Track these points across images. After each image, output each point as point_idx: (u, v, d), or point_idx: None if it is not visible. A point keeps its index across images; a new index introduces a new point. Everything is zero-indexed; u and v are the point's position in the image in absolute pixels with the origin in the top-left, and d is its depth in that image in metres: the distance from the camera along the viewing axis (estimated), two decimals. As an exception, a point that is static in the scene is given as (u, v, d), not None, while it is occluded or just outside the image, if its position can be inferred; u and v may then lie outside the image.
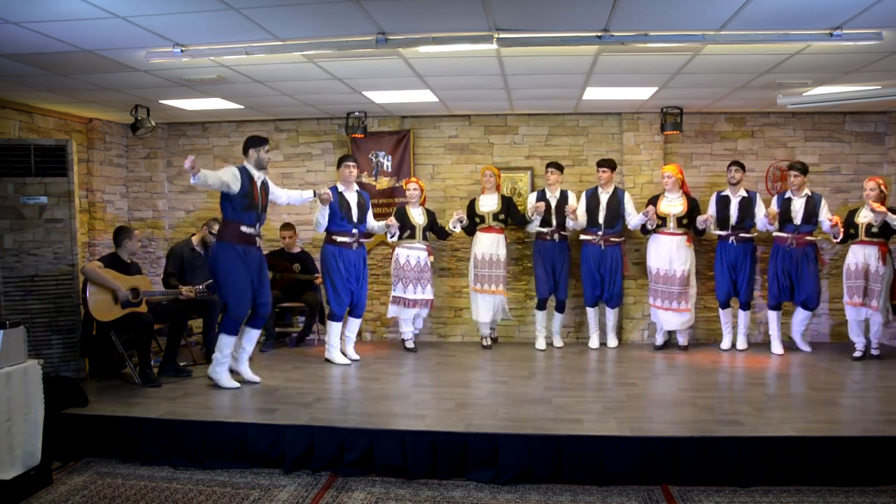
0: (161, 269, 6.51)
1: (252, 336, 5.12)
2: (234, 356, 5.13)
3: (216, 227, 5.90)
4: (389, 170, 7.02)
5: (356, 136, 6.82)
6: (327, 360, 5.85)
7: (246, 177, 4.81)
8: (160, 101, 5.97)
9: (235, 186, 4.73)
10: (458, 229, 6.25)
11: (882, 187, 5.67)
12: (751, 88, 5.53)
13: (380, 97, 6.01)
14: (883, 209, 5.43)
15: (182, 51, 4.23)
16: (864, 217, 5.72)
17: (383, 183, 7.03)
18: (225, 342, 4.93)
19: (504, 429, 4.05)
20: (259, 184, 4.92)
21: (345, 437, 4.05)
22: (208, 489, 3.81)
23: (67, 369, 5.13)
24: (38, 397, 3.91)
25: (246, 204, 4.80)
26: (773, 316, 6.14)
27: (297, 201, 5.44)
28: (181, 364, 5.52)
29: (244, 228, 4.82)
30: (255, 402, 4.71)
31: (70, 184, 5.19)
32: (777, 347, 6.11)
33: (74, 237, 5.23)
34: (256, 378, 5.14)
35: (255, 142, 4.92)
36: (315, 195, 5.41)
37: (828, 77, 5.10)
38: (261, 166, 4.92)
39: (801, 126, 6.76)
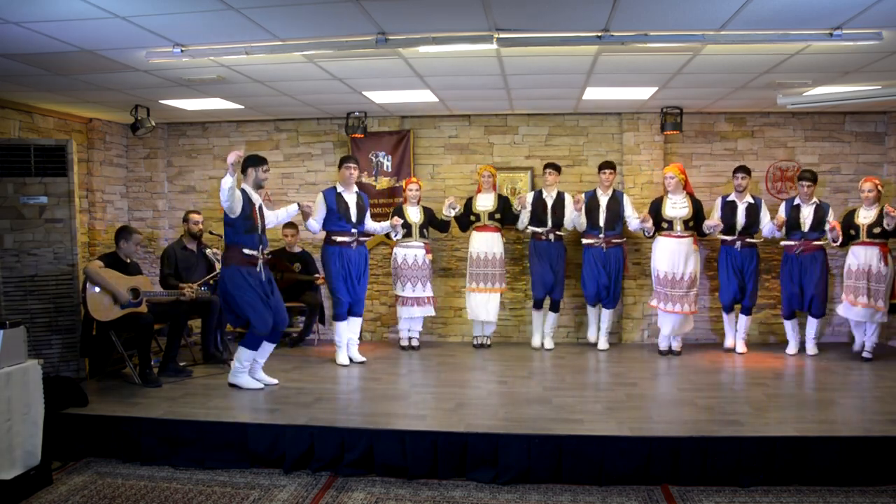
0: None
1: (268, 350, 5.09)
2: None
3: (194, 218, 5.94)
4: (389, 170, 7.02)
5: (356, 136, 6.82)
6: (334, 362, 5.85)
7: (246, 199, 4.78)
8: (160, 101, 5.97)
9: (238, 208, 4.70)
10: (452, 214, 6.22)
11: (879, 187, 5.68)
12: (751, 88, 5.52)
13: (380, 97, 6.00)
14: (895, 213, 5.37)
15: (182, 51, 4.24)
16: (864, 218, 5.69)
17: (383, 183, 7.03)
18: (245, 356, 4.94)
19: (504, 429, 4.05)
20: (257, 206, 4.91)
21: (345, 437, 4.05)
22: (208, 489, 3.81)
23: (67, 369, 5.14)
24: (38, 397, 3.91)
25: (248, 227, 4.79)
26: (788, 325, 6.14)
27: (284, 219, 5.42)
28: (181, 364, 5.52)
29: (247, 251, 4.80)
30: (255, 402, 4.71)
31: (70, 184, 5.20)
32: (792, 349, 6.10)
33: (74, 237, 5.24)
34: (274, 380, 5.14)
35: (254, 161, 4.88)
36: (299, 208, 5.35)
37: (828, 77, 5.10)
38: (259, 186, 4.90)
39: (801, 126, 6.75)
